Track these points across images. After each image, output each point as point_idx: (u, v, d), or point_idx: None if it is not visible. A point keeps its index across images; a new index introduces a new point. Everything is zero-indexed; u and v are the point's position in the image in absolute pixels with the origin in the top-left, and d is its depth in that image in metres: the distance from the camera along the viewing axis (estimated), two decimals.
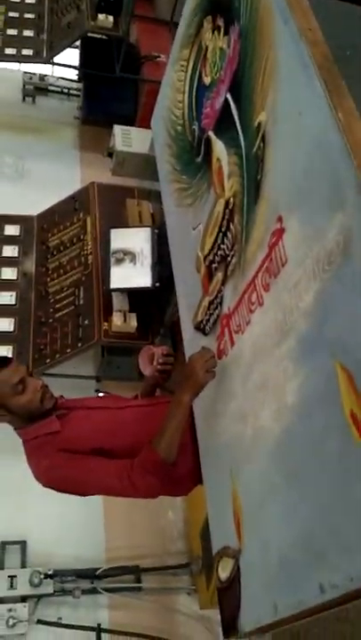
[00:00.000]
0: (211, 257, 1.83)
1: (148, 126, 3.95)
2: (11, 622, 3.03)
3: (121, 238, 3.20)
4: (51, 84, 5.78)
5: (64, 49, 4.75)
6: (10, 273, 3.64)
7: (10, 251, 3.73)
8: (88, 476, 1.72)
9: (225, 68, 1.78)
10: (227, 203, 1.72)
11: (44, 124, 5.65)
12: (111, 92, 5.16)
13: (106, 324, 3.17)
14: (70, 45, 4.77)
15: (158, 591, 3.40)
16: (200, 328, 1.91)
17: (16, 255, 3.72)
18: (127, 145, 3.80)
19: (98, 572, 3.29)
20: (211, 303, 1.81)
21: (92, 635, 3.06)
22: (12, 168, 5.23)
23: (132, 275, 3.11)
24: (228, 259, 1.68)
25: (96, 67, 4.85)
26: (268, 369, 1.40)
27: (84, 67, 5.04)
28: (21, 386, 1.75)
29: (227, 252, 1.70)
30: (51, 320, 3.37)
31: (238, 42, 1.68)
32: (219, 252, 1.76)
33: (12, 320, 3.45)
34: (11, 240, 3.78)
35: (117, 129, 3.87)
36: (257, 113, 1.52)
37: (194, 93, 2.06)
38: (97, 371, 3.80)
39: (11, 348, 3.35)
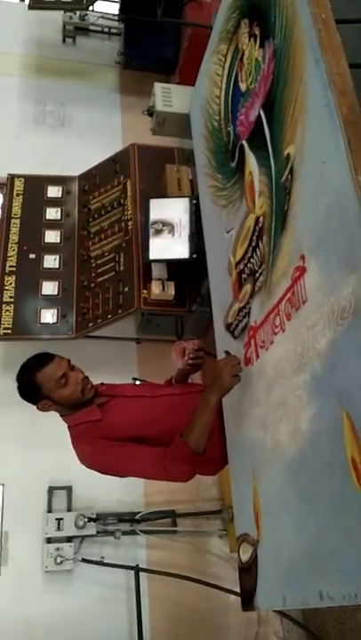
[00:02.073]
0: (241, 266, 1.93)
1: (189, 73, 3.93)
2: (58, 560, 3.39)
3: (160, 209, 3.26)
4: (92, 24, 5.67)
5: None
6: (53, 236, 3.77)
7: (53, 213, 3.85)
8: (126, 463, 1.93)
9: (260, 81, 1.80)
10: (257, 220, 1.80)
11: (84, 67, 5.60)
12: (152, 36, 5.06)
13: (145, 291, 3.30)
14: None
15: (192, 534, 3.70)
16: (230, 330, 2.03)
17: (59, 218, 3.84)
18: (167, 104, 3.77)
19: (137, 516, 3.60)
20: (240, 310, 1.93)
21: (131, 572, 3.40)
22: (54, 115, 5.25)
23: (171, 245, 3.19)
24: (257, 275, 1.78)
25: (137, 9, 4.73)
26: (287, 391, 1.54)
27: (124, 11, 4.92)
28: (64, 379, 1.95)
29: (255, 269, 1.80)
30: (92, 285, 3.52)
31: (273, 61, 1.70)
32: (248, 265, 1.86)
33: (57, 283, 3.62)
34: (53, 202, 3.89)
35: (158, 87, 3.83)
36: (287, 143, 1.58)
37: (230, 94, 2.09)
38: (137, 329, 3.98)
39: (55, 311, 3.54)
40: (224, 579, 3.57)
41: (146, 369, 3.95)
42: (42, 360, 1.99)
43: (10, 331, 3.47)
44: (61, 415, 2.08)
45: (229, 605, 3.57)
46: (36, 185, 3.96)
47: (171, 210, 3.26)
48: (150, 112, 3.84)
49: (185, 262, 3.25)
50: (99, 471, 1.98)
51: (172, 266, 3.33)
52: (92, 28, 5.69)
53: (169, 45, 5.10)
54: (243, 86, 1.97)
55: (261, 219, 1.75)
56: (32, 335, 3.50)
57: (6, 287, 3.59)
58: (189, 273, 3.33)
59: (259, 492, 1.70)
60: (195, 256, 3.14)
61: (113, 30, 5.68)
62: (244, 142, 1.95)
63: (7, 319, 3.49)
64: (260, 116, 1.79)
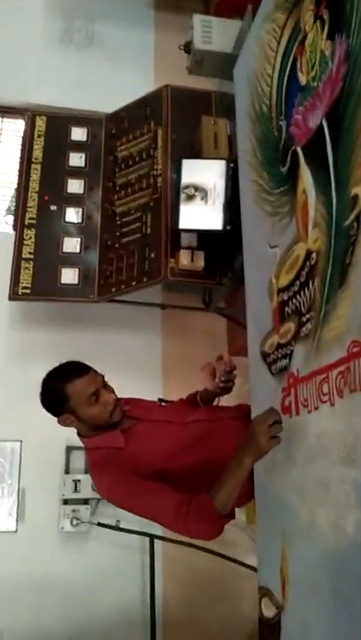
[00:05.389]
0: (285, 296, 1.69)
1: None
2: (75, 522, 3.40)
3: (193, 171, 2.94)
4: None
5: None
6: (77, 186, 3.49)
7: (76, 159, 3.54)
8: (146, 507, 1.78)
9: (325, 82, 1.49)
10: (309, 253, 1.54)
11: None
12: None
13: (173, 260, 3.07)
14: None
15: None
16: (266, 361, 1.83)
17: (83, 165, 3.53)
18: (207, 41, 3.32)
19: None
20: (280, 346, 1.71)
21: (146, 538, 3.41)
22: (82, 33, 4.77)
23: (203, 214, 2.91)
24: (303, 319, 1.55)
25: None
26: (331, 475, 1.36)
27: None
28: (95, 397, 1.80)
29: (302, 310, 1.56)
30: (117, 245, 3.29)
31: (344, 65, 1.38)
32: (293, 301, 1.62)
33: (79, 240, 3.38)
34: (77, 147, 3.56)
35: (197, 20, 3.36)
36: (355, 181, 1.30)
37: (285, 81, 1.76)
38: (162, 288, 3.76)
39: (76, 270, 3.33)
40: (239, 546, 3.57)
41: (169, 337, 3.79)
42: (76, 370, 1.82)
43: (29, 290, 3.29)
44: (80, 435, 1.94)
45: (242, 571, 3.59)
46: (59, 125, 3.62)
47: (205, 173, 2.95)
48: (187, 49, 3.40)
49: (218, 234, 2.99)
50: (114, 504, 1.86)
51: (203, 234, 3.06)
52: None
53: None
54: (302, 78, 1.64)
55: (314, 255, 1.50)
56: (52, 296, 3.32)
57: (25, 241, 3.37)
58: (222, 244, 3.07)
59: (288, 559, 1.58)
60: (228, 228, 2.87)
61: None
62: (298, 150, 1.65)
63: (27, 277, 3.31)
64: (321, 127, 1.49)
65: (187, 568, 3.56)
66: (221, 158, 3.00)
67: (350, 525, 1.25)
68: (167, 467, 1.83)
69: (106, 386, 1.86)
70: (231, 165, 2.86)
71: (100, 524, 3.40)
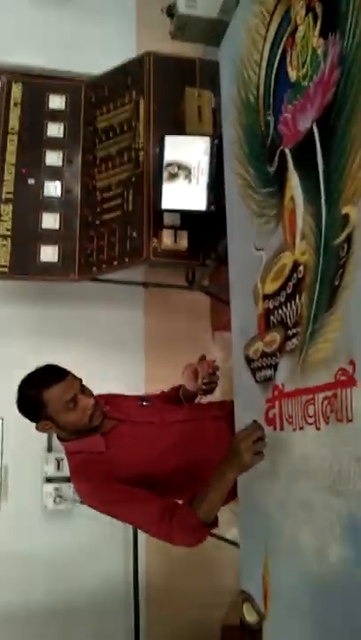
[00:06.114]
0: (270, 305, 1.63)
1: None
2: (57, 500, 3.41)
3: (176, 148, 2.83)
4: None
5: None
6: (55, 158, 3.34)
7: (55, 129, 3.38)
8: (127, 514, 1.78)
9: (316, 84, 1.39)
10: (296, 265, 1.48)
11: None
12: None
13: (155, 239, 2.98)
14: None
15: None
16: (250, 366, 1.78)
17: (61, 135, 3.38)
18: (191, 6, 3.15)
19: None
20: (265, 354, 1.67)
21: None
22: None
23: (186, 194, 2.81)
24: (289, 332, 1.50)
25: None
26: (315, 500, 1.34)
27: None
28: (73, 403, 1.75)
29: (288, 323, 1.51)
30: (97, 222, 3.18)
31: (337, 69, 1.29)
32: (280, 312, 1.57)
33: (57, 216, 3.27)
34: (55, 116, 3.40)
35: None
36: (346, 199, 1.23)
37: (273, 73, 1.65)
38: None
39: (56, 248, 3.23)
40: (220, 520, 3.62)
41: (152, 314, 3.74)
42: (52, 376, 1.76)
43: (7, 269, 3.19)
44: (60, 439, 1.91)
45: (223, 544, 3.65)
46: (36, 92, 3.44)
47: (189, 150, 2.84)
48: (170, 13, 3.22)
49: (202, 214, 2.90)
50: (96, 510, 1.85)
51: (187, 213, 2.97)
52: None
53: None
54: (292, 74, 1.54)
55: (302, 269, 1.44)
56: (31, 275, 3.23)
57: (3, 218, 3.24)
58: (206, 224, 2.98)
59: (270, 572, 1.58)
60: (212, 208, 2.79)
61: None
62: (287, 151, 1.57)
63: (4, 255, 3.20)
64: (312, 131, 1.41)
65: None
66: (206, 135, 2.89)
67: (333, 555, 1.24)
68: (149, 469, 1.82)
69: (84, 390, 1.81)
70: (216, 142, 2.76)
71: (82, 502, 3.40)
